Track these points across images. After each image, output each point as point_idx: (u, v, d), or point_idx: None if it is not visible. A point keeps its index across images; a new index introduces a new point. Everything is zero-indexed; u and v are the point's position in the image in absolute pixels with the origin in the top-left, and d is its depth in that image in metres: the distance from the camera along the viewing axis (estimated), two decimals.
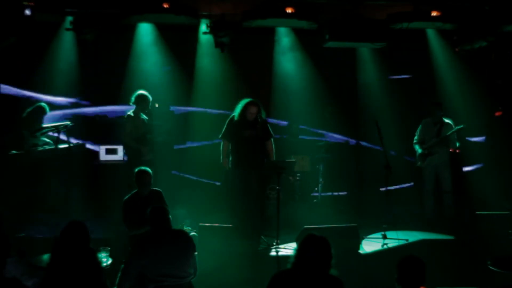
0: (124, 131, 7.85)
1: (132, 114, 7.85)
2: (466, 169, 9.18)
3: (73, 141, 8.28)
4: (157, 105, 8.38)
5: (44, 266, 4.56)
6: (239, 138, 7.22)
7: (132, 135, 7.79)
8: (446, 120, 8.16)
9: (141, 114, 7.91)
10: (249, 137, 7.16)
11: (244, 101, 7.24)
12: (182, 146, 9.31)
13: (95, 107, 9.24)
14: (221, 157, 7.38)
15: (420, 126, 8.30)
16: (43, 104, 8.11)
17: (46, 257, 4.86)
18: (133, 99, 7.85)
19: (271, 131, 7.40)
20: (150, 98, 7.88)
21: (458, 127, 8.03)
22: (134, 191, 6.02)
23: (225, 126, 7.36)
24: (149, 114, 8.08)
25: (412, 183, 9.43)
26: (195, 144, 9.33)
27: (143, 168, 6.05)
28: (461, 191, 8.48)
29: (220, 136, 7.41)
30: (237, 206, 7.26)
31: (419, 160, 8.24)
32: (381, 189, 7.93)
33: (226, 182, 7.72)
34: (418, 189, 8.66)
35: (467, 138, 9.28)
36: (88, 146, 8.88)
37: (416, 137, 8.33)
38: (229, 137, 7.32)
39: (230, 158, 7.33)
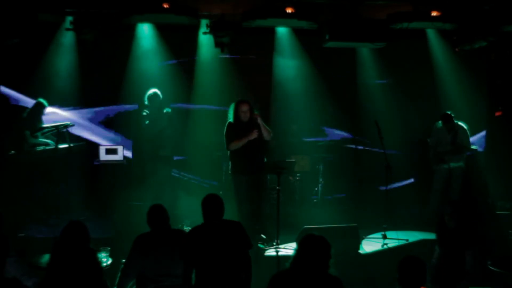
0: (137, 126, 8.03)
1: (148, 112, 8.05)
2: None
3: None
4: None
5: (44, 266, 4.56)
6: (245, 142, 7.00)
7: (150, 130, 7.95)
8: (460, 124, 8.21)
9: (159, 109, 8.08)
10: (254, 139, 6.95)
11: (234, 103, 7.06)
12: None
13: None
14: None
15: (433, 128, 8.40)
16: (41, 100, 8.09)
17: (46, 257, 4.86)
18: (145, 99, 8.08)
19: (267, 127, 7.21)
20: (159, 93, 8.08)
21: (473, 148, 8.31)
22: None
23: (226, 136, 7.04)
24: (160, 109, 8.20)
25: (412, 179, 9.47)
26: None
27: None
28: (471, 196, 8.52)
29: (227, 147, 7.05)
30: (242, 210, 7.05)
31: (433, 163, 8.30)
32: (381, 188, 7.92)
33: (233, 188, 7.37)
34: (419, 187, 8.71)
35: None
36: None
37: (429, 140, 8.41)
38: None
39: (231, 164, 7.13)
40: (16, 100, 8.76)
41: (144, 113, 8.09)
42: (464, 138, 8.22)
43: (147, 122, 8.04)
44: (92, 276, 3.94)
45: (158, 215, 4.68)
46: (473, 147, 8.63)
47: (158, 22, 8.58)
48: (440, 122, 8.33)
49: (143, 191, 7.77)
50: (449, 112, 8.22)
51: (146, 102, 8.11)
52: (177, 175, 8.81)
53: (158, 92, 8.12)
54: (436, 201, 8.28)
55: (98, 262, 4.07)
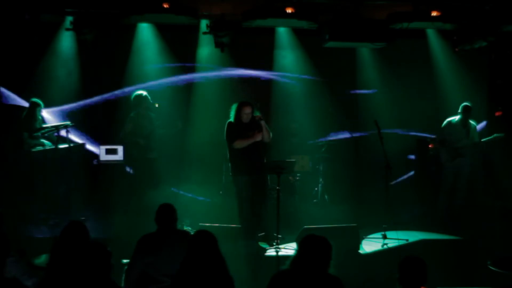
0: (122, 129, 8.04)
1: (133, 115, 8.05)
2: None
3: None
4: (157, 105, 8.39)
5: (44, 266, 4.56)
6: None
7: (135, 134, 7.98)
8: (470, 120, 8.25)
9: (146, 112, 8.08)
10: (257, 140, 6.96)
11: (236, 104, 7.06)
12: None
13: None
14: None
15: (444, 125, 8.32)
16: (35, 99, 8.04)
17: (46, 257, 4.86)
18: (132, 100, 8.08)
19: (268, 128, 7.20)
20: (147, 95, 8.10)
21: (497, 136, 8.20)
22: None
23: (229, 135, 7.01)
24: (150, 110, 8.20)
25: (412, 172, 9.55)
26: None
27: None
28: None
29: (231, 145, 6.98)
30: (243, 210, 7.05)
31: (447, 158, 8.24)
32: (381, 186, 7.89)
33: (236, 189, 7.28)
34: (419, 186, 8.71)
35: None
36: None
37: (437, 136, 8.34)
38: None
39: (231, 164, 7.11)
40: (14, 100, 8.76)
41: (130, 116, 8.06)
42: (475, 133, 8.25)
43: (130, 126, 8.02)
44: (93, 276, 3.92)
45: (166, 214, 4.66)
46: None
47: (158, 22, 8.58)
48: (453, 118, 8.26)
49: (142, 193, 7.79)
50: (469, 104, 8.20)
51: (132, 104, 8.10)
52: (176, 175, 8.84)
53: (145, 93, 8.09)
54: (446, 201, 8.27)
55: (106, 260, 3.98)
